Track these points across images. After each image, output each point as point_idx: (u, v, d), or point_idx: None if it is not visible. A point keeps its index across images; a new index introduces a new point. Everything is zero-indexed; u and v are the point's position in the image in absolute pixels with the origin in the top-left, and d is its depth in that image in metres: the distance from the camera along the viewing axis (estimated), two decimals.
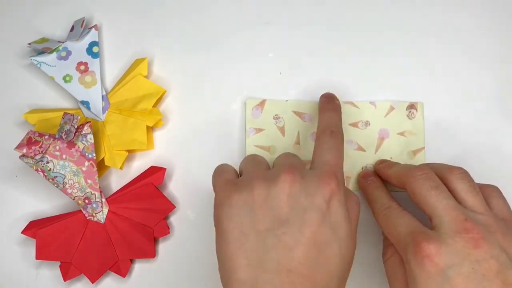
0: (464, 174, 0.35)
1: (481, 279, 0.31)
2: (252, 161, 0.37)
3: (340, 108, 0.40)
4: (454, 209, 0.33)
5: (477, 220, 0.33)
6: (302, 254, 0.31)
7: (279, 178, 0.33)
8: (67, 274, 0.41)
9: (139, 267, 0.42)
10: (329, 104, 0.39)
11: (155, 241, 0.41)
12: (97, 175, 0.40)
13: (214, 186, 0.36)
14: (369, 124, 0.42)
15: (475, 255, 0.31)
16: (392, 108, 0.42)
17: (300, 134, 0.42)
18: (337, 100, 0.40)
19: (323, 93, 0.41)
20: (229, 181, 0.35)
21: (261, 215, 0.32)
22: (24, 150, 0.39)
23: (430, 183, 0.34)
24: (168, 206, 0.41)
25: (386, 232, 0.36)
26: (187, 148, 0.43)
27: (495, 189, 0.36)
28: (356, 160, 0.42)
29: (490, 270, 0.31)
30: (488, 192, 0.36)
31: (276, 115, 0.43)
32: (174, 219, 0.42)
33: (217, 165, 0.37)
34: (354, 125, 0.42)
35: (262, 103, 0.43)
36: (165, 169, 0.42)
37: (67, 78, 0.43)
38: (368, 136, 0.42)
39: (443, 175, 0.35)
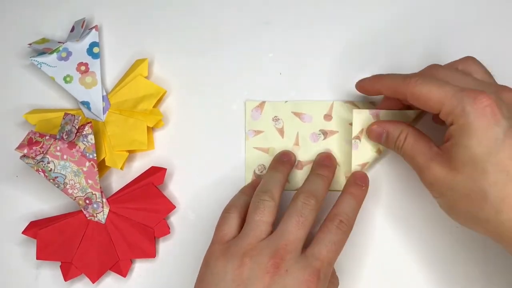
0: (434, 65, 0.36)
1: None
2: (257, 204, 0.36)
3: (364, 197, 0.38)
4: (462, 89, 0.32)
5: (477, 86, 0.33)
6: None
7: (265, 266, 0.33)
8: (67, 274, 0.41)
9: (140, 267, 0.42)
10: (354, 189, 0.38)
11: (155, 241, 0.41)
12: (97, 176, 0.40)
13: (214, 232, 0.37)
14: None
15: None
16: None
17: (299, 135, 0.42)
18: (365, 187, 0.39)
19: (359, 172, 0.40)
20: (224, 242, 0.36)
21: None
22: (25, 151, 0.39)
23: (429, 77, 0.34)
24: (169, 206, 0.41)
25: (425, 99, 0.34)
26: (187, 148, 0.43)
27: (469, 59, 0.37)
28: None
29: None
30: (464, 65, 0.36)
31: (275, 116, 0.43)
32: (174, 219, 0.42)
33: (226, 206, 0.38)
34: None
35: (261, 104, 0.43)
36: (165, 169, 0.42)
37: (68, 79, 0.43)
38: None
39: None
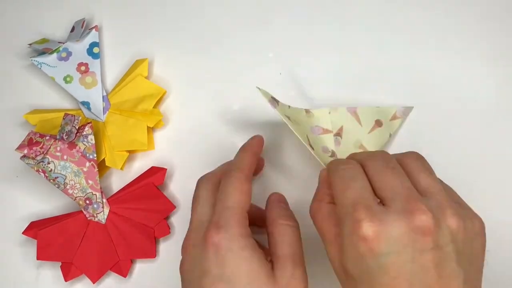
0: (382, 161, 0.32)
1: (417, 271, 0.27)
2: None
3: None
4: (409, 189, 0.30)
5: (431, 205, 0.29)
6: None
7: None
8: (68, 274, 0.41)
9: (140, 267, 0.42)
10: (277, 202, 0.36)
11: (155, 241, 0.41)
12: (98, 176, 0.40)
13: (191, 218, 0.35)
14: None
15: (421, 243, 0.27)
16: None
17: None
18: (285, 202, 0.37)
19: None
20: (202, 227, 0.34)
21: None
22: (25, 151, 0.39)
23: (387, 163, 0.31)
24: (169, 206, 0.41)
25: (334, 190, 0.31)
26: (187, 149, 0.43)
27: (415, 158, 0.32)
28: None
29: (432, 261, 0.27)
30: (409, 165, 0.31)
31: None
32: (174, 219, 0.42)
33: (196, 190, 0.36)
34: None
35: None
36: (165, 169, 0.42)
37: (68, 79, 0.43)
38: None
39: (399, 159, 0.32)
